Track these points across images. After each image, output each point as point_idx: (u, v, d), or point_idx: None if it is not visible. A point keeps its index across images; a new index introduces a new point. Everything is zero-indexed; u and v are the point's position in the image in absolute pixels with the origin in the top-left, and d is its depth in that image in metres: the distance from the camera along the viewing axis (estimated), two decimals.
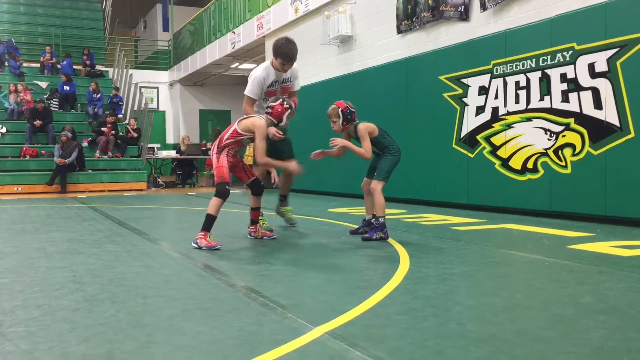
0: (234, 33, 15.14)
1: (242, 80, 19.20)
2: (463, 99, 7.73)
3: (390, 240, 4.93)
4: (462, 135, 7.76)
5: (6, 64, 17.21)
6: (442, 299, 2.98)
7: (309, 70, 11.96)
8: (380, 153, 5.06)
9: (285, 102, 4.85)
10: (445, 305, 2.84)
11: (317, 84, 11.48)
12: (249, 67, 17.13)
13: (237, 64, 16.88)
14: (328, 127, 5.21)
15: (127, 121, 16.13)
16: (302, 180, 12.04)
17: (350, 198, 9.75)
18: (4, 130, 14.61)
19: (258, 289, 3.16)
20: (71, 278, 3.57)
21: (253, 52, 15.25)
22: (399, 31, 9.32)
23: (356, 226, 5.48)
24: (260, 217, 5.33)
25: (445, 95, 8.01)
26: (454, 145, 7.88)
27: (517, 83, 6.94)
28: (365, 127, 4.95)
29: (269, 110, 4.83)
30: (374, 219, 5.07)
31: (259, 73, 5.33)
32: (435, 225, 6.11)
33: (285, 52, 5.17)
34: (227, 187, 4.69)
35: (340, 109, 4.97)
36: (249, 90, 5.33)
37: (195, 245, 4.61)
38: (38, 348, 2.23)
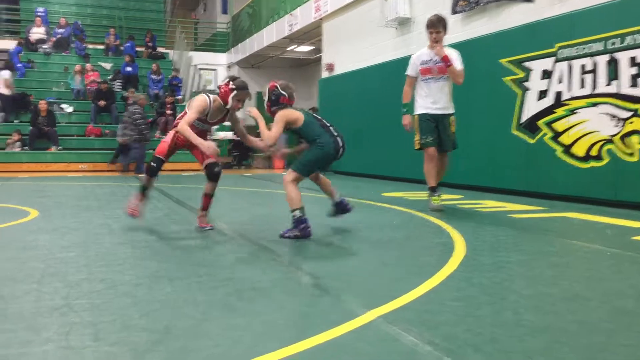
0: (292, 15, 15.14)
1: (299, 63, 19.27)
2: (524, 83, 7.50)
3: (445, 226, 4.87)
4: (522, 121, 7.54)
5: (72, 45, 17.81)
6: (498, 287, 2.93)
7: (366, 53, 11.87)
8: (309, 145, 4.47)
9: (232, 83, 4.46)
10: (501, 294, 2.79)
11: (373, 67, 11.38)
12: (306, 49, 17.15)
13: (294, 46, 16.90)
14: (384, 110, 5.20)
15: (185, 102, 16.46)
16: (357, 163, 12.04)
17: (406, 182, 9.66)
18: (70, 109, 15.16)
19: (312, 271, 3.19)
20: (132, 254, 3.70)
21: (310, 35, 15.23)
22: (454, 11, 9.11)
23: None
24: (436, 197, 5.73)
25: (505, 79, 7.79)
26: (513, 131, 7.68)
27: (582, 67, 6.67)
28: (283, 114, 4.33)
29: (218, 91, 4.61)
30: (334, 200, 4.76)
31: (415, 53, 5.97)
32: (492, 212, 5.99)
33: (430, 20, 5.80)
34: (154, 164, 4.68)
35: (268, 87, 4.44)
36: (407, 69, 5.94)
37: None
38: (101, 320, 2.32)
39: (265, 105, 4.44)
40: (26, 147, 13.48)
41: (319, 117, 4.62)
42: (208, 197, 4.82)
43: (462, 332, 2.19)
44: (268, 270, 3.30)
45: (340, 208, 4.90)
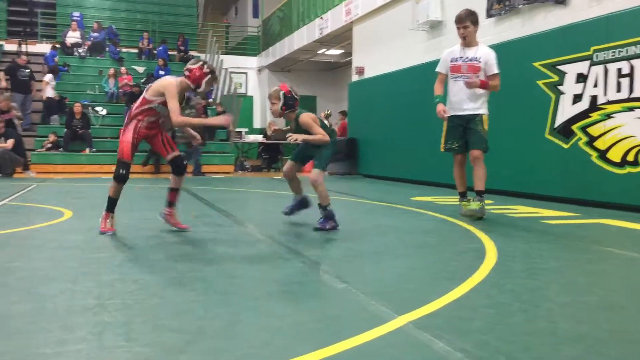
0: (322, 19, 15.18)
1: (329, 66, 19.30)
2: (558, 87, 7.37)
3: (476, 231, 4.81)
4: (556, 125, 7.42)
5: (107, 49, 18.15)
6: (531, 294, 2.88)
7: (396, 56, 11.82)
8: (317, 147, 4.86)
9: (205, 67, 4.38)
10: (535, 301, 2.74)
11: (404, 70, 11.33)
12: (336, 52, 17.17)
13: (324, 49, 16.94)
14: (415, 114, 5.17)
15: (215, 106, 16.61)
16: (386, 167, 11.99)
17: (435, 187, 9.59)
18: (104, 112, 15.44)
19: (341, 275, 3.18)
20: (163, 255, 3.74)
21: (341, 38, 15.24)
22: (489, 15, 9.01)
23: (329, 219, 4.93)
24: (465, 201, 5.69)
25: (539, 82, 7.67)
26: (547, 135, 7.55)
27: (619, 70, 6.53)
28: (309, 116, 4.80)
29: (187, 73, 4.36)
30: (321, 209, 4.85)
31: (448, 49, 5.81)
32: (524, 218, 5.90)
33: (458, 15, 5.61)
34: (123, 170, 4.38)
35: (282, 92, 4.72)
36: (438, 66, 5.78)
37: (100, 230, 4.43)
38: (134, 320, 2.35)
39: (280, 108, 4.73)
40: (61, 149, 13.76)
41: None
42: (175, 191, 4.64)
43: (494, 339, 2.16)
44: (298, 273, 3.30)
45: (303, 204, 5.23)
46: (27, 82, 14.00)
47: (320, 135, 4.74)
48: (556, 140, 7.41)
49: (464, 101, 5.55)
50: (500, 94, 8.45)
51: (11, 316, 2.39)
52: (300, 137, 4.76)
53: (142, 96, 4.43)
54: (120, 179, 4.42)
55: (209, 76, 4.36)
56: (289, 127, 5.00)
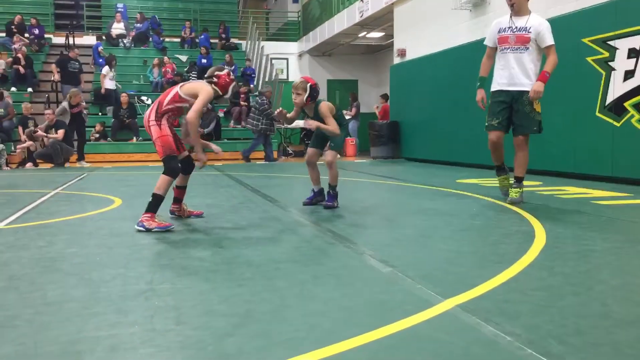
0: (362, 1, 15.02)
1: (370, 49, 19.12)
2: (609, 63, 7.12)
3: (524, 213, 4.72)
4: (607, 103, 7.18)
5: (150, 39, 18.45)
6: (582, 276, 2.81)
7: (439, 37, 11.61)
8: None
9: (231, 74, 4.53)
10: (587, 284, 2.68)
11: (447, 51, 11.13)
12: (377, 35, 16.98)
13: (364, 32, 16.78)
14: (459, 95, 5.06)
15: (256, 92, 16.71)
16: (430, 150, 11.84)
17: (480, 169, 9.43)
18: (149, 101, 15.73)
19: (386, 259, 3.17)
20: (211, 241, 3.80)
21: (381, 20, 15.06)
22: None
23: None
24: (504, 177, 5.49)
25: (588, 59, 7.42)
26: (597, 113, 7.32)
27: None
28: (327, 106, 5.08)
29: (215, 79, 4.40)
30: (330, 189, 5.23)
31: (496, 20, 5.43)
32: (574, 199, 5.74)
33: None
34: (176, 164, 4.28)
35: (309, 84, 5.00)
36: (486, 39, 5.48)
37: (142, 228, 4.12)
38: (183, 305, 2.40)
39: (305, 99, 4.99)
40: (109, 139, 14.12)
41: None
42: (182, 189, 4.68)
43: (544, 322, 2.12)
44: (343, 257, 3.31)
45: (322, 194, 5.40)
46: (77, 74, 14.39)
47: (333, 127, 5.02)
48: (607, 119, 7.18)
49: (513, 76, 5.14)
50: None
51: (67, 301, 2.47)
52: (315, 124, 5.03)
53: (174, 92, 4.35)
54: (177, 172, 4.33)
55: (234, 83, 4.52)
56: (291, 113, 5.26)
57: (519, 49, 5.12)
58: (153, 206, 4.21)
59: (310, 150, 5.37)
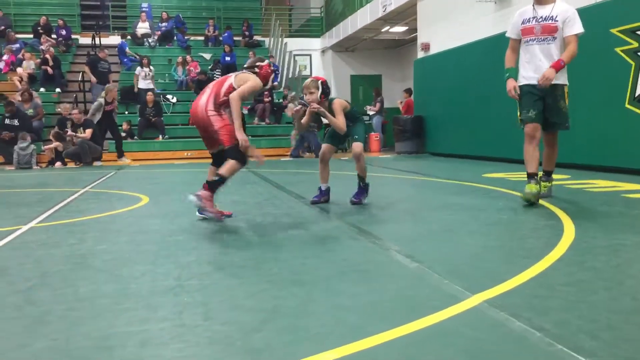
0: None
1: (393, 44, 19.01)
2: (639, 54, 6.97)
3: (552, 207, 4.65)
4: (637, 94, 7.03)
5: (175, 38, 18.60)
6: (613, 271, 2.76)
7: (463, 30, 11.50)
8: (351, 124, 5.16)
9: (272, 65, 4.61)
10: (618, 278, 2.63)
11: (471, 44, 11.02)
12: (400, 30, 16.87)
13: (387, 27, 16.68)
14: (483, 89, 5.00)
15: (282, 89, 16.75)
16: (455, 144, 11.74)
17: (507, 163, 9.32)
18: (174, 100, 15.90)
19: (412, 254, 3.16)
20: (237, 237, 3.83)
21: (404, 15, 14.96)
22: None
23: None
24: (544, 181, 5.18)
25: (617, 49, 7.28)
26: (627, 105, 7.18)
27: None
28: (340, 103, 5.08)
29: (256, 69, 4.51)
30: (360, 182, 5.24)
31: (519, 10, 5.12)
32: (604, 192, 5.65)
33: None
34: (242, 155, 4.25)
35: (320, 82, 5.01)
36: (508, 30, 5.17)
37: (199, 203, 4.16)
38: (211, 300, 2.43)
39: (319, 96, 4.96)
40: (136, 137, 14.30)
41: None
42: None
43: (575, 318, 2.09)
44: (369, 252, 3.31)
45: (328, 193, 5.38)
46: (106, 74, 14.70)
47: (339, 122, 4.99)
48: (637, 110, 7.03)
49: (541, 69, 4.80)
50: (576, 63, 8.06)
51: (98, 297, 2.52)
52: (320, 108, 4.94)
53: (229, 83, 4.35)
54: (245, 160, 4.35)
55: (274, 73, 4.66)
56: (305, 118, 5.27)
57: (545, 39, 4.81)
58: (215, 186, 4.23)
59: (325, 146, 5.33)
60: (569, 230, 3.72)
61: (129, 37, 18.14)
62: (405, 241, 3.62)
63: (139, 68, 15.25)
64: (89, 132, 12.08)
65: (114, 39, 18.40)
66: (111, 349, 1.92)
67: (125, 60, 16.97)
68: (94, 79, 14.41)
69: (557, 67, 4.74)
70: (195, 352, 1.88)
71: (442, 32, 12.58)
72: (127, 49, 17.02)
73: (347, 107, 5.17)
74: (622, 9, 7.22)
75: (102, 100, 12.65)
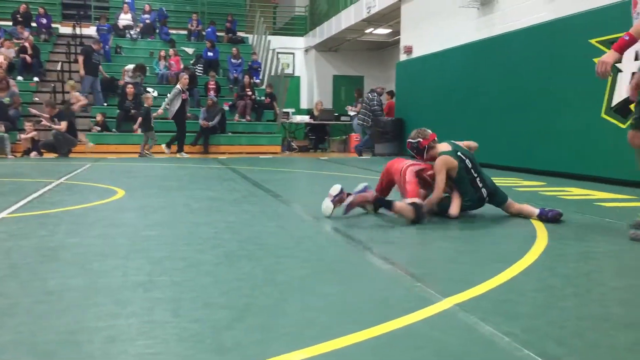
0: None
1: (376, 46, 19.06)
2: (616, 64, 7.08)
3: None
4: (613, 104, 7.14)
5: (157, 31, 18.42)
6: (583, 278, 2.80)
7: (446, 35, 11.57)
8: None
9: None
10: (587, 285, 2.67)
11: (453, 49, 11.09)
12: (384, 32, 16.93)
13: (371, 29, 16.73)
14: (465, 93, 5.02)
15: (264, 86, 16.68)
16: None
17: (485, 168, 9.38)
18: (155, 93, 15.70)
19: (388, 256, 3.17)
20: (212, 234, 3.81)
21: (388, 17, 15.01)
22: None
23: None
24: None
25: (595, 60, 7.36)
26: (603, 115, 7.29)
27: None
28: (445, 161, 4.57)
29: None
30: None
31: None
32: (577, 200, 5.73)
33: None
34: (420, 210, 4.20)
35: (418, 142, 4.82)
36: None
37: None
38: (183, 297, 2.40)
39: (416, 157, 4.77)
40: (114, 130, 14.13)
41: (469, 164, 4.61)
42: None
43: (543, 324, 2.11)
44: (345, 254, 3.31)
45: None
46: (97, 66, 14.74)
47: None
48: (613, 120, 7.15)
49: None
50: (555, 72, 8.23)
51: (67, 290, 2.48)
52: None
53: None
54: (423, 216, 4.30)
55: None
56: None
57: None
58: (383, 203, 4.41)
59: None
60: (542, 236, 3.76)
61: (106, 23, 17.65)
62: (380, 243, 3.63)
63: (130, 66, 15.16)
64: (64, 124, 11.92)
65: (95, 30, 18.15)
66: (78, 344, 1.89)
67: (107, 49, 16.75)
68: (82, 72, 14.25)
69: (617, 48, 3.67)
70: (163, 349, 1.86)
71: (425, 35, 12.65)
72: (110, 42, 16.80)
73: (454, 170, 4.52)
74: (601, 20, 7.32)
75: (180, 87, 12.64)
